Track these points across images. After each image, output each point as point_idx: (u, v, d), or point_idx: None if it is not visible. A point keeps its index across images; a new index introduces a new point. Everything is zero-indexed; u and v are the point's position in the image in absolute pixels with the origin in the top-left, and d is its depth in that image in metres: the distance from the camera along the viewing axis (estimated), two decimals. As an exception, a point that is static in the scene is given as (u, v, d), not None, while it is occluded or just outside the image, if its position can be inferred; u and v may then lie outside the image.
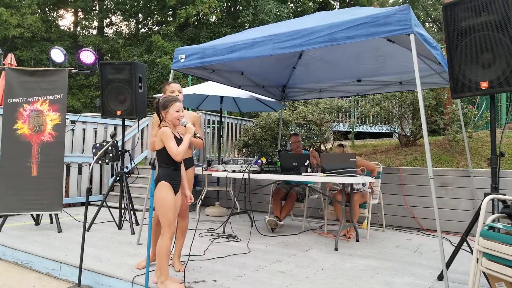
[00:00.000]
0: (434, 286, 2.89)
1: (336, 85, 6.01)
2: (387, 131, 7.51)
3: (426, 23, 25.43)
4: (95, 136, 7.65)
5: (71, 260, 3.52)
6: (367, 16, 3.36)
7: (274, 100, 6.58)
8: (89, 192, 3.20)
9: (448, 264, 2.97)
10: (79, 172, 7.12)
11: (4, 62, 5.60)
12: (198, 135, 2.97)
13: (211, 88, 6.52)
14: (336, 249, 3.88)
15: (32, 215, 5.27)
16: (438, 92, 6.51)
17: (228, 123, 8.81)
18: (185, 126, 2.91)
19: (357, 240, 4.31)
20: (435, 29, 25.86)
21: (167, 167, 2.86)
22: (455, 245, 3.11)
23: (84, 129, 7.41)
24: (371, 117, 7.81)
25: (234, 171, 4.78)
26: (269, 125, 7.59)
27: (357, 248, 3.99)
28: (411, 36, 3.19)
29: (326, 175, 4.05)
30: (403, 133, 6.82)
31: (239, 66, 5.38)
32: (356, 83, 5.83)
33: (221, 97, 6.91)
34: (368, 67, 5.37)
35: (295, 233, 4.70)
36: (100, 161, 4.77)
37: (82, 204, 7.10)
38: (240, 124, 9.17)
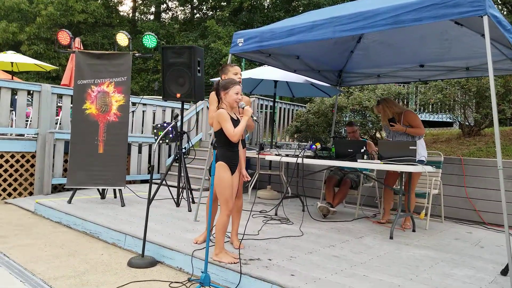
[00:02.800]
0: (497, 281, 2.77)
1: (397, 70, 5.77)
2: (448, 119, 7.12)
3: (495, 5, 23.45)
4: (154, 118, 8.01)
5: (134, 232, 3.78)
6: (437, -3, 3.18)
7: (329, 85, 6.47)
8: (152, 169, 3.40)
9: (514, 260, 2.82)
10: (139, 151, 7.53)
11: (73, 45, 5.99)
12: (254, 118, 3.04)
13: (266, 73, 6.55)
14: (391, 237, 3.81)
15: (98, 190, 5.68)
16: (507, 79, 6.05)
17: (280, 108, 8.82)
18: (243, 108, 2.98)
19: (414, 230, 4.18)
20: (505, 12, 23.76)
21: (224, 148, 2.97)
22: (524, 241, 2.94)
23: (144, 111, 7.79)
24: (431, 105, 7.44)
25: (287, 155, 4.81)
26: (323, 111, 7.49)
27: (413, 238, 3.89)
28: (485, 18, 2.99)
29: (384, 163, 3.96)
30: (467, 122, 6.44)
31: (295, 50, 5.34)
32: (419, 68, 5.55)
33: (275, 81, 6.92)
34: (432, 51, 5.09)
35: (348, 219, 4.67)
36: (161, 141, 5.01)
37: (142, 181, 7.53)
38: (292, 110, 9.15)
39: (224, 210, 2.95)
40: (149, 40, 5.55)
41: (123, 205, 5.17)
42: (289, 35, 4.10)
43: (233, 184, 3.01)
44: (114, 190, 5.67)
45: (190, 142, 6.64)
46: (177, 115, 4.13)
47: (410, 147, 3.98)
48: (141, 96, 8.23)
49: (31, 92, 6.56)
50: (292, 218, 4.63)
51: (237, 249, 3.25)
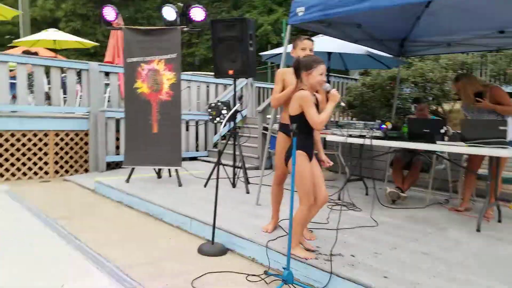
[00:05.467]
0: None
1: (471, 38, 5.14)
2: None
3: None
4: (198, 94, 7.82)
5: (201, 217, 3.64)
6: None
7: (390, 55, 5.93)
8: (220, 154, 3.20)
9: None
10: (186, 128, 7.41)
11: (117, 22, 5.77)
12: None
13: (318, 44, 6.09)
14: (478, 230, 3.42)
15: (154, 169, 5.61)
16: None
17: (330, 81, 8.33)
18: (328, 92, 2.65)
19: (499, 221, 3.75)
20: None
21: (303, 135, 2.66)
22: None
23: (188, 87, 7.61)
24: (504, 75, 6.73)
25: (351, 135, 4.45)
26: (380, 84, 6.96)
27: (503, 231, 3.47)
28: None
29: (469, 145, 3.53)
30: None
31: (357, 17, 4.85)
32: (497, 34, 4.90)
33: (329, 53, 6.45)
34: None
35: (419, 206, 4.28)
36: (215, 121, 4.80)
37: (190, 159, 7.45)
38: (342, 83, 8.63)
39: (305, 203, 2.71)
40: (197, 13, 5.23)
41: (180, 185, 5.09)
42: (361, 1, 3.67)
43: (314, 174, 2.76)
44: (169, 169, 5.57)
45: (242, 115, 6.40)
46: (242, 97, 3.86)
47: (500, 127, 3.52)
48: (191, 72, 8.05)
49: (78, 70, 6.51)
50: (357, 203, 4.32)
51: (308, 240, 3.02)
